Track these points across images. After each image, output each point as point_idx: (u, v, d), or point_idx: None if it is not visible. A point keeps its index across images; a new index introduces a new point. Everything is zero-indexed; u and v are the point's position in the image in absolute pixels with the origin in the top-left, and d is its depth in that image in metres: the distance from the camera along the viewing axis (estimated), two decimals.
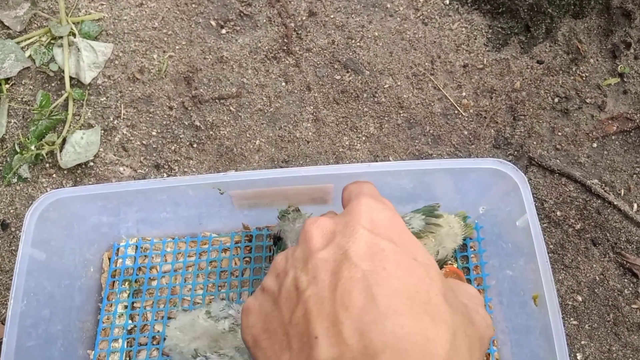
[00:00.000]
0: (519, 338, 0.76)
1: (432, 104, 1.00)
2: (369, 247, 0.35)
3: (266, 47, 1.03)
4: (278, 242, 0.75)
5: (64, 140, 0.96)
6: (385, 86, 1.01)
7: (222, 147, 0.97)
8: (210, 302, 0.80)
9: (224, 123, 0.98)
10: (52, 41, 1.03)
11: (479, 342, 0.37)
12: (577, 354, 0.85)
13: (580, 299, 0.88)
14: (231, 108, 1.00)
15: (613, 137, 0.98)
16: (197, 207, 0.81)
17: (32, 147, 0.93)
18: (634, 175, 0.96)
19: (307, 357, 0.32)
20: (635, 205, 0.93)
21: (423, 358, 0.30)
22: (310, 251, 0.37)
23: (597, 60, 1.03)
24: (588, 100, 1.00)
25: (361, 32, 1.05)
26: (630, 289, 0.89)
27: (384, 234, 0.37)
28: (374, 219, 0.38)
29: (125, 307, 0.81)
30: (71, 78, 1.00)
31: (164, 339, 0.69)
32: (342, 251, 0.36)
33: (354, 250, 0.35)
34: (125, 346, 0.79)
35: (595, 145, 0.98)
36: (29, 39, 1.03)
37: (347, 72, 1.02)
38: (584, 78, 1.01)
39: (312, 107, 1.00)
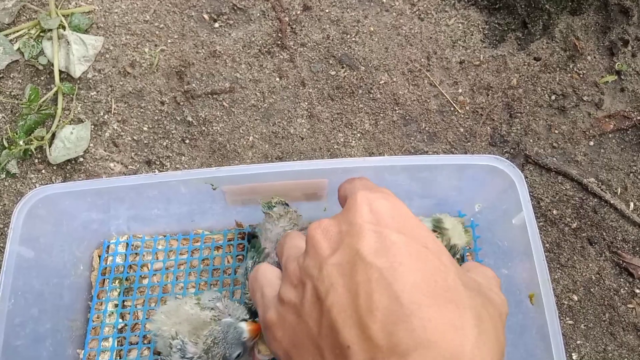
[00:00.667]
0: (514, 337, 0.75)
1: (428, 100, 0.99)
2: (379, 243, 0.35)
3: (260, 42, 1.02)
4: (252, 239, 0.74)
5: (53, 135, 0.94)
6: (380, 82, 1.00)
7: (215, 143, 0.96)
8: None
9: (217, 119, 0.97)
10: (42, 34, 1.01)
11: (500, 319, 0.37)
12: (573, 354, 0.85)
13: (576, 298, 0.88)
14: (224, 103, 0.98)
15: (610, 136, 0.98)
16: (189, 203, 0.79)
17: (21, 142, 0.92)
18: (631, 174, 0.95)
19: None
20: (631, 204, 0.93)
21: (454, 347, 0.30)
22: (321, 258, 0.37)
23: (595, 57, 1.02)
24: (585, 98, 0.99)
25: (356, 27, 1.03)
26: (626, 288, 0.88)
27: (390, 225, 0.36)
28: (375, 211, 0.37)
29: (116, 305, 0.80)
30: (61, 72, 0.98)
31: (148, 321, 0.69)
32: (354, 252, 0.35)
33: (365, 249, 0.35)
34: (116, 345, 0.77)
35: (592, 143, 0.97)
36: (17, 31, 1.01)
37: (342, 67, 1.01)
38: (581, 75, 1.01)
39: (306, 103, 0.98)
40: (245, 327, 0.64)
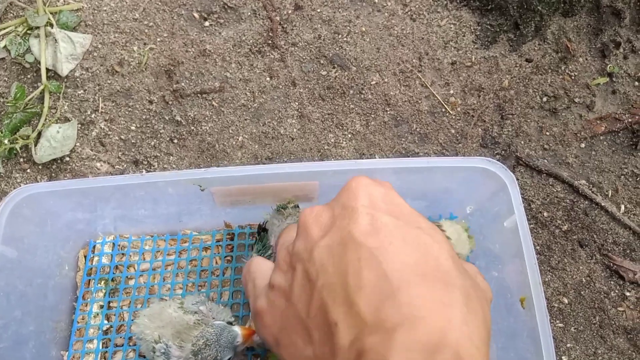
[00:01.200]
0: (505, 341, 0.74)
1: (420, 101, 0.98)
2: (371, 224, 0.35)
3: (250, 41, 1.01)
4: (262, 232, 0.73)
5: (39, 134, 0.92)
6: (372, 83, 0.99)
7: (204, 143, 0.94)
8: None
9: (206, 118, 0.96)
10: (29, 31, 1.00)
11: (487, 303, 0.37)
12: (563, 357, 0.84)
13: (566, 301, 0.87)
14: (213, 103, 0.97)
15: (601, 138, 0.97)
16: (177, 204, 0.78)
17: (6, 141, 0.90)
18: (622, 177, 0.95)
19: (330, 346, 0.32)
20: (622, 207, 0.93)
21: (441, 323, 0.30)
22: (312, 241, 0.37)
23: (587, 59, 1.02)
24: (577, 100, 0.99)
25: (348, 27, 1.03)
26: (616, 291, 0.88)
27: (384, 209, 0.36)
28: (370, 195, 0.37)
29: (101, 306, 0.78)
30: (48, 70, 0.97)
31: (132, 323, 0.68)
32: (345, 233, 0.35)
33: (356, 230, 0.35)
34: (101, 347, 0.76)
35: (583, 145, 0.97)
36: (4, 29, 1.00)
37: (334, 67, 1.00)
38: (572, 77, 1.00)
39: (297, 103, 0.97)
40: (239, 332, 0.63)
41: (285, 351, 0.37)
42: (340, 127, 0.96)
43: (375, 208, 0.36)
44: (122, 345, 0.76)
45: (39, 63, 0.97)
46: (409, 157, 0.94)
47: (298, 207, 0.74)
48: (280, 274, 0.39)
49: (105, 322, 0.78)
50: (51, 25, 0.98)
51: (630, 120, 0.97)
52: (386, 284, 0.32)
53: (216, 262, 0.82)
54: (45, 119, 0.94)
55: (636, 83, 1.00)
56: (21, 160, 0.92)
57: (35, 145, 0.91)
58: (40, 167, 0.92)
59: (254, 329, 0.64)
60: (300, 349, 0.35)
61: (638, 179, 0.94)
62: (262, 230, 0.73)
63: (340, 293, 0.33)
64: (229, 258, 0.82)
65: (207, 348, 0.61)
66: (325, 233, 0.37)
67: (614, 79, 1.00)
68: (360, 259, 0.33)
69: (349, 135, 0.96)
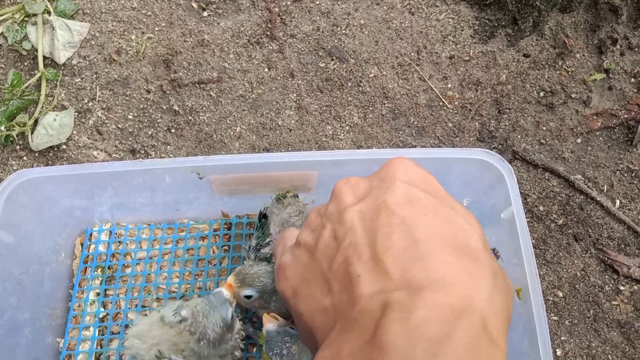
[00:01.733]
0: None
1: (417, 95, 0.98)
2: (406, 197, 0.35)
3: (249, 32, 1.01)
4: (262, 219, 0.73)
5: (36, 122, 0.92)
6: (370, 75, 0.99)
7: (201, 133, 0.94)
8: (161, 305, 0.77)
9: (204, 108, 0.96)
10: (26, 19, 0.99)
11: (510, 289, 0.36)
12: (557, 350, 0.85)
13: (561, 294, 0.88)
14: (211, 93, 0.97)
15: (597, 133, 0.98)
16: (175, 192, 0.78)
17: (2, 128, 0.89)
18: (617, 172, 0.95)
19: (350, 295, 0.33)
20: (617, 202, 0.93)
21: (469, 291, 0.30)
22: (345, 205, 0.37)
23: (584, 55, 1.02)
24: (573, 95, 0.99)
25: (347, 20, 1.03)
26: (610, 285, 0.88)
27: (420, 187, 0.37)
28: (409, 173, 0.38)
29: (98, 294, 0.78)
30: (45, 57, 0.96)
31: (123, 343, 0.67)
32: (380, 201, 0.36)
33: (391, 199, 0.35)
34: (97, 334, 0.76)
35: (579, 140, 0.97)
36: (1, 15, 0.99)
37: (332, 60, 1.00)
38: (569, 73, 1.01)
39: (295, 95, 0.97)
40: (221, 288, 0.63)
41: (303, 302, 0.38)
42: (338, 119, 0.96)
43: (412, 184, 0.37)
44: (119, 332, 0.76)
45: (36, 50, 0.96)
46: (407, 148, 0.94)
47: (297, 196, 0.74)
48: (308, 232, 0.40)
49: (102, 309, 0.77)
50: (49, 13, 0.98)
51: (626, 116, 0.97)
52: (415, 248, 0.32)
53: (213, 252, 0.82)
54: (42, 107, 0.93)
55: (632, 79, 1.00)
56: (17, 147, 0.92)
57: (32, 133, 0.91)
58: (36, 154, 0.91)
59: (231, 283, 0.63)
60: (318, 300, 0.36)
61: (633, 174, 0.95)
62: (263, 217, 0.73)
63: (366, 251, 0.33)
64: (226, 247, 0.82)
65: (205, 318, 0.60)
66: (359, 200, 0.37)
67: (610, 75, 1.01)
68: (391, 224, 0.34)
69: (347, 128, 0.96)
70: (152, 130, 0.94)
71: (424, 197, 0.36)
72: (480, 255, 0.33)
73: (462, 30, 1.03)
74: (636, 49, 1.02)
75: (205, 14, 1.02)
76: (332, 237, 0.36)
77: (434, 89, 0.99)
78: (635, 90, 1.00)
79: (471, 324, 0.29)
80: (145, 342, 0.65)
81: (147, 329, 0.65)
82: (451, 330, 0.28)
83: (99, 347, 0.75)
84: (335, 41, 1.01)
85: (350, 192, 0.39)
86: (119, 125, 0.94)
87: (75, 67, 0.97)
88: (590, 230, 0.91)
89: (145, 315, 0.72)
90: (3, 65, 0.97)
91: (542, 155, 0.95)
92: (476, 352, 0.28)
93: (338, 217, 0.37)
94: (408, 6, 1.04)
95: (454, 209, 0.36)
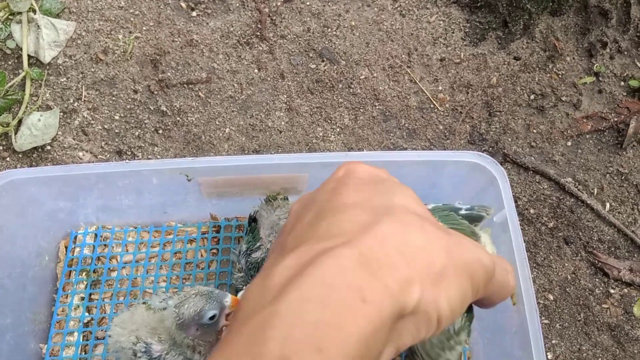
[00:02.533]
0: (491, 337, 0.74)
1: (408, 97, 0.98)
2: (336, 182, 0.39)
3: (239, 32, 1.00)
4: (252, 223, 0.71)
5: (20, 122, 0.90)
6: (361, 77, 0.98)
7: (190, 134, 0.93)
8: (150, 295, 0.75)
9: (192, 109, 0.94)
10: (10, 17, 0.97)
11: (447, 240, 0.34)
12: (548, 353, 0.84)
13: (551, 297, 0.87)
14: (200, 94, 0.95)
15: (587, 136, 0.98)
16: (162, 195, 0.77)
17: None
18: (607, 175, 0.95)
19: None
20: (607, 205, 0.93)
21: (350, 237, 0.31)
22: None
23: (574, 58, 1.02)
24: (563, 98, 0.99)
25: (337, 21, 1.02)
26: (601, 288, 0.88)
27: (363, 177, 0.39)
28: (349, 170, 0.40)
29: (82, 298, 0.76)
30: (29, 56, 0.94)
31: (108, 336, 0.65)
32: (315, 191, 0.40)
33: (323, 186, 0.40)
34: (81, 340, 0.74)
35: (569, 143, 0.97)
36: None
37: (323, 61, 0.99)
38: (560, 76, 1.01)
39: (285, 96, 0.96)
40: (230, 296, 0.61)
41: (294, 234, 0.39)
42: (328, 121, 0.95)
43: (349, 177, 0.39)
44: (104, 338, 0.74)
45: (21, 49, 0.94)
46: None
47: (287, 199, 0.73)
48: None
49: (86, 314, 0.76)
50: (34, 11, 0.96)
51: (616, 119, 0.97)
52: (318, 218, 0.34)
53: (201, 255, 0.80)
54: (27, 107, 0.91)
55: (622, 83, 1.01)
56: (0, 148, 0.90)
57: (16, 133, 0.89)
58: (20, 155, 0.89)
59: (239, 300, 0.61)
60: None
61: (623, 177, 0.95)
62: (253, 220, 0.71)
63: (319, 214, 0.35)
64: (214, 251, 0.81)
65: (196, 297, 0.59)
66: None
67: (600, 79, 1.01)
68: (310, 209, 0.36)
69: (338, 130, 0.95)
70: (139, 131, 0.92)
71: (355, 181, 0.38)
72: (394, 210, 0.33)
73: (453, 32, 1.03)
74: (626, 53, 1.02)
75: (194, 13, 1.00)
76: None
77: (425, 91, 0.98)
78: (625, 94, 1.00)
79: (343, 255, 0.29)
80: (125, 328, 0.63)
81: (129, 316, 0.64)
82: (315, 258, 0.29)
83: (84, 353, 0.73)
84: (326, 42, 1.00)
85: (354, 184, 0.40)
86: (105, 126, 0.92)
87: (60, 67, 0.95)
88: (580, 233, 0.91)
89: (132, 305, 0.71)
90: None
91: (532, 158, 0.95)
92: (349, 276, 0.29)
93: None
94: (399, 8, 1.04)
95: (384, 185, 0.37)
